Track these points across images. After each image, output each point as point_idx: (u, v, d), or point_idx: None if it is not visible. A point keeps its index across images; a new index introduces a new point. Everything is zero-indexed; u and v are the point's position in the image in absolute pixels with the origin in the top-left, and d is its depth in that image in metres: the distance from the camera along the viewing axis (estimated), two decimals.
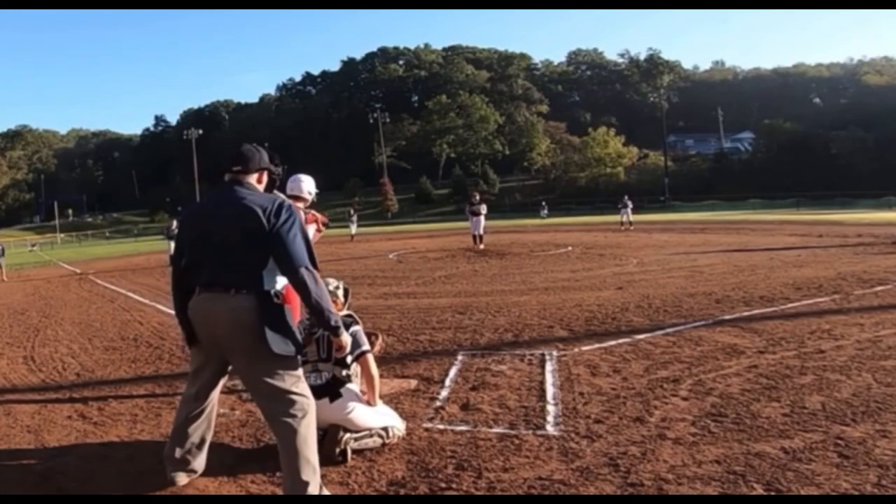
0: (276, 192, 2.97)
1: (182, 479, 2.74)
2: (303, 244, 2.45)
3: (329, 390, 3.03)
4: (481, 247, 16.06)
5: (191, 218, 2.71)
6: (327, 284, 3.37)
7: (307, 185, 4.29)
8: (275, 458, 3.00)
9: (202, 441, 2.77)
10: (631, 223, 23.65)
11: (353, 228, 27.44)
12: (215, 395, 2.77)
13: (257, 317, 2.41)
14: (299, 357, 2.58)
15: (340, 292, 3.40)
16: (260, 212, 2.43)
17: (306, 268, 2.41)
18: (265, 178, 2.71)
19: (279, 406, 2.46)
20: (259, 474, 2.87)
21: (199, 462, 2.79)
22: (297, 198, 4.21)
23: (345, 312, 3.32)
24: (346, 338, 2.54)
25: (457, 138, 76.73)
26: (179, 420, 2.75)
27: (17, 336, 7.29)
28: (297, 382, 2.52)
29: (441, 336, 5.71)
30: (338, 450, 2.95)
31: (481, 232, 16.69)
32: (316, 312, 2.44)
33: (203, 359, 2.68)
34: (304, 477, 2.41)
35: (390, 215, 61.35)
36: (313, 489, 2.43)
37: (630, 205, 24.42)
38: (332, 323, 2.48)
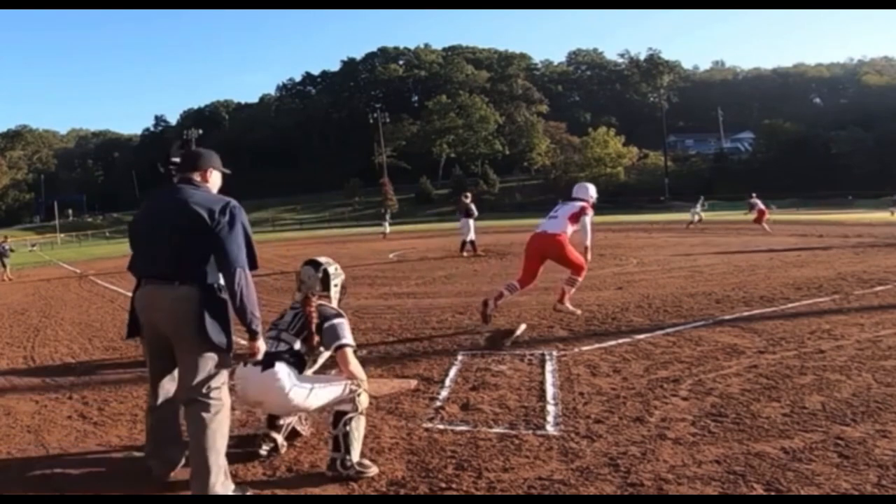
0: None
1: (166, 474, 2.79)
2: (241, 245, 2.56)
3: (270, 360, 2.78)
4: (480, 252, 14.81)
5: (140, 214, 2.82)
6: (320, 266, 3.12)
7: (592, 190, 6.42)
8: (274, 458, 3.02)
9: (177, 434, 2.84)
10: (700, 220, 24.03)
11: (387, 227, 29.54)
12: (172, 386, 2.76)
13: (198, 307, 2.50)
14: (231, 354, 2.61)
15: (318, 286, 3.06)
16: (204, 210, 2.54)
17: (241, 268, 2.53)
18: (210, 176, 2.80)
19: (197, 397, 2.54)
20: (259, 474, 2.87)
21: (178, 455, 2.83)
22: (585, 201, 6.22)
23: (333, 305, 3.08)
24: (259, 344, 2.61)
25: (457, 138, 76.75)
26: (149, 423, 2.83)
27: (17, 336, 7.28)
28: (220, 379, 2.59)
29: (441, 336, 5.71)
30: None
31: (473, 237, 14.93)
32: (239, 312, 2.53)
33: (151, 357, 2.76)
34: (211, 478, 2.47)
35: (390, 215, 61.28)
36: (220, 489, 2.49)
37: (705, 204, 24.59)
38: (253, 326, 2.55)
